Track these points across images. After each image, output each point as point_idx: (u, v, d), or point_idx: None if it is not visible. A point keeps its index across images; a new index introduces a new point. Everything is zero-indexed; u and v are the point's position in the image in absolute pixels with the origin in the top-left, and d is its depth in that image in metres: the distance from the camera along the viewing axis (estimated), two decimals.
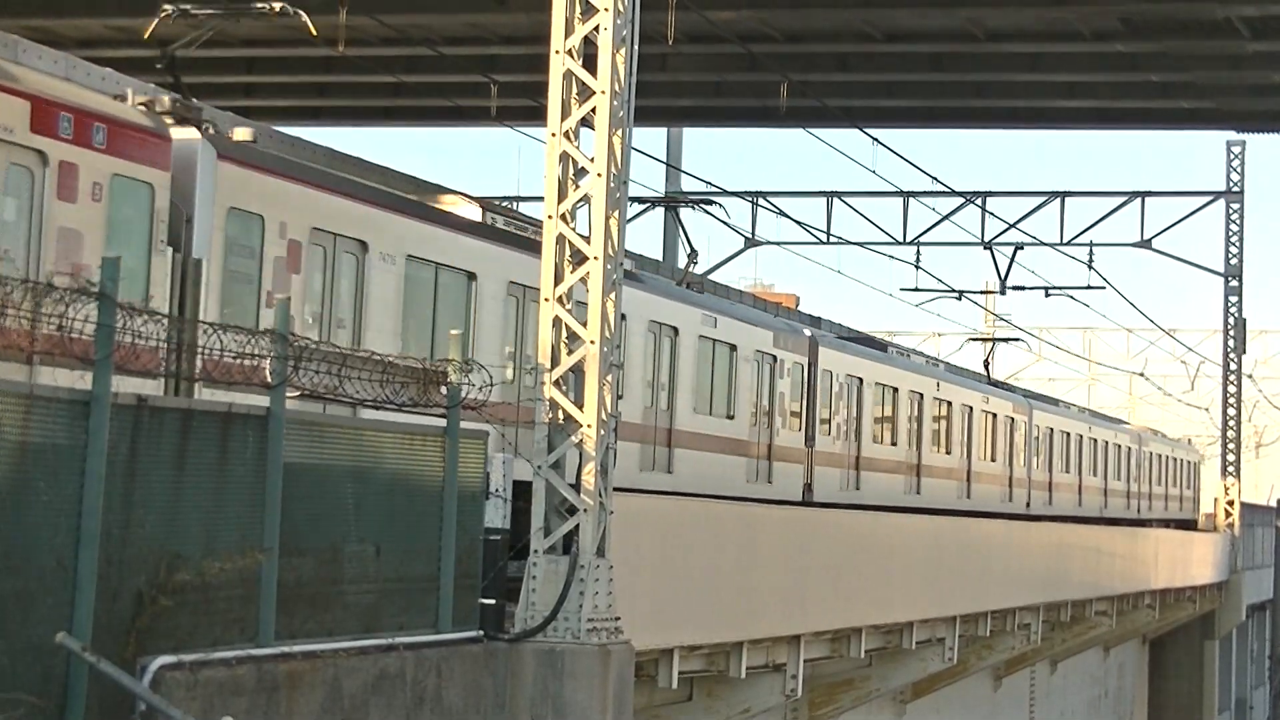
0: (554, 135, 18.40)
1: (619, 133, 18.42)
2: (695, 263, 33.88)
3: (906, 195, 53.63)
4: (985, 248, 54.52)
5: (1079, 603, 44.63)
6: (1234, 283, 59.94)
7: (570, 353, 18.20)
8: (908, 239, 54.57)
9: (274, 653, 14.17)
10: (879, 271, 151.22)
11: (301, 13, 20.65)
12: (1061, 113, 46.55)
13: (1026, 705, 48.44)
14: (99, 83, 22.17)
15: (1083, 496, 53.20)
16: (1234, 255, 59.60)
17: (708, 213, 43.07)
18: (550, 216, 18.34)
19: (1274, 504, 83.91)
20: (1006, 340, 58.79)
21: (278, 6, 20.37)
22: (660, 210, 55.78)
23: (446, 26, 38.19)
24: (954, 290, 56.71)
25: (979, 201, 54.17)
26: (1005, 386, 53.71)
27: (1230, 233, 59.47)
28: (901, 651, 32.77)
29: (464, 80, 40.35)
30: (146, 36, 21.84)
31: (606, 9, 18.28)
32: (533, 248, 20.83)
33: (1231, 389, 61.88)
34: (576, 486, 17.97)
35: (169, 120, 17.85)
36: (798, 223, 53.63)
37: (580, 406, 18.04)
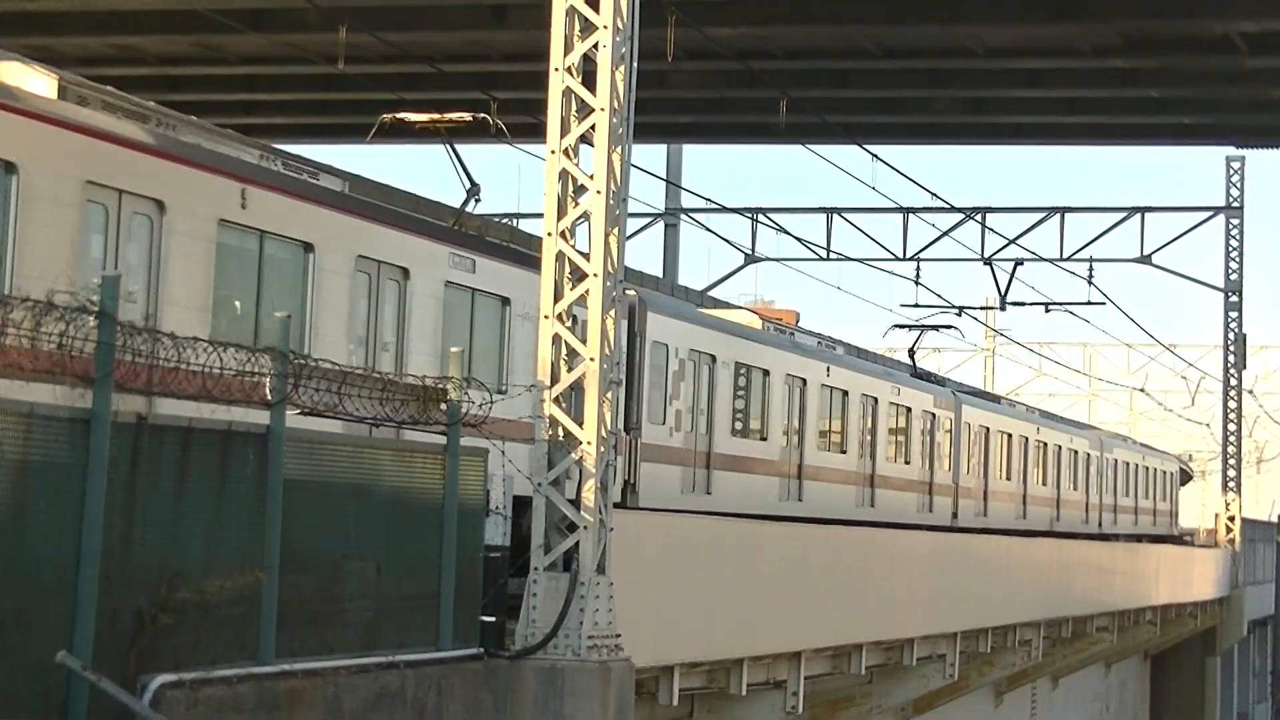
0: (553, 152, 18.41)
1: (618, 150, 18.44)
2: (477, 200, 24.59)
3: (906, 211, 53.70)
4: (985, 263, 54.54)
5: (1080, 618, 44.60)
6: (1234, 298, 59.96)
7: (570, 370, 18.22)
8: (907, 255, 54.60)
9: (274, 670, 14.16)
10: (879, 287, 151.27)
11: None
12: (1061, 128, 46.58)
13: None
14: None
15: (1027, 508, 46.74)
16: (1234, 270, 59.63)
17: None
18: (550, 234, 18.35)
19: (1275, 519, 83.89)
20: (938, 328, 48.67)
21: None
22: (659, 226, 56.10)
23: (446, 44, 38.23)
24: (954, 306, 56.71)
25: (979, 217, 54.21)
26: (933, 379, 46.18)
27: (1230, 248, 59.50)
28: (903, 668, 32.76)
29: (463, 97, 40.40)
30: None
31: (606, 26, 18.31)
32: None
33: (1232, 404, 61.88)
34: (576, 503, 17.97)
35: None
36: (797, 239, 53.71)
37: (580, 424, 18.05)
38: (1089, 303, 55.39)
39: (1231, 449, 62.03)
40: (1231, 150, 58.07)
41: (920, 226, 54.17)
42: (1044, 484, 48.56)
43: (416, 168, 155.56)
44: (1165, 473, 66.10)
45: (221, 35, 36.69)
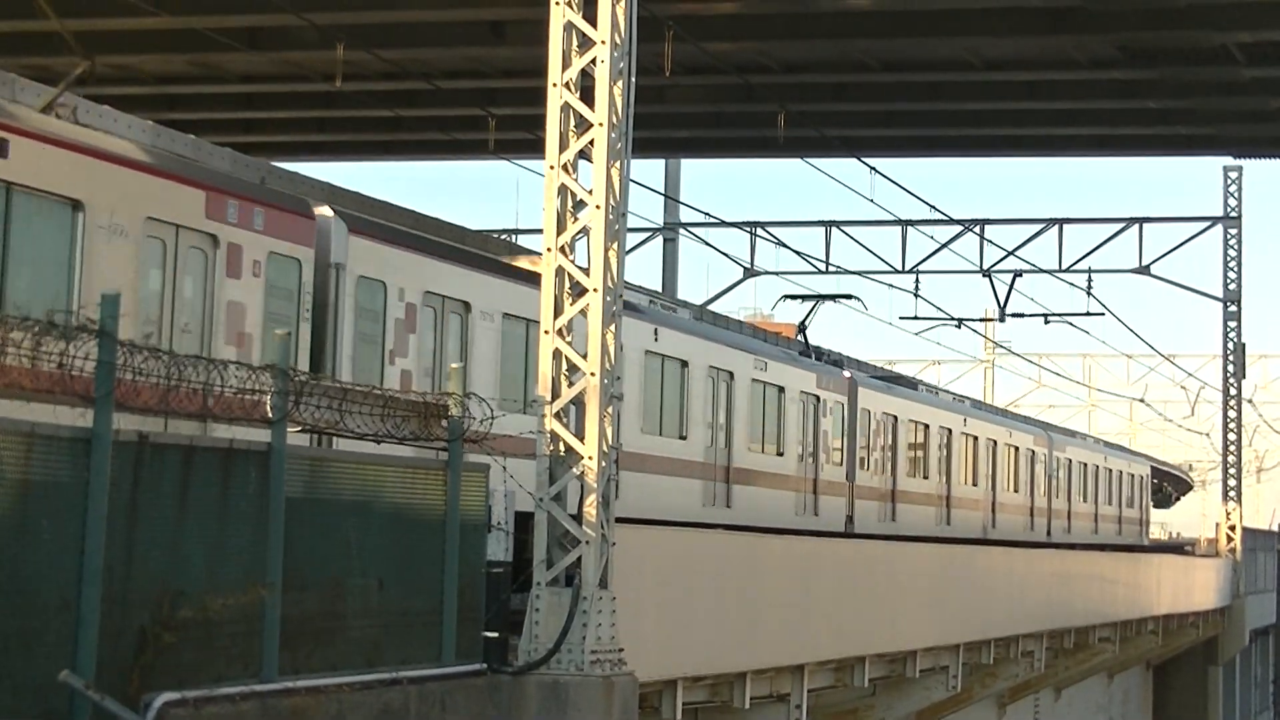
0: (552, 168, 18.43)
1: (617, 165, 18.46)
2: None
3: (905, 224, 53.72)
4: (984, 275, 54.58)
5: (1082, 629, 44.61)
6: (1233, 308, 59.97)
7: (570, 385, 18.23)
8: (906, 267, 54.60)
9: (278, 688, 14.15)
10: (878, 300, 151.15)
11: None
12: (1059, 140, 46.60)
13: None
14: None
15: (950, 512, 40.48)
16: (1232, 280, 59.65)
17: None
18: (549, 249, 18.37)
19: (1275, 529, 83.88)
20: (835, 298, 39.90)
21: None
22: (658, 241, 56.14)
23: (444, 60, 38.23)
24: (953, 318, 56.77)
25: (977, 229, 54.23)
26: (829, 359, 38.00)
27: (1228, 258, 59.52)
28: (906, 680, 32.75)
29: (462, 114, 40.42)
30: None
31: (604, 42, 18.34)
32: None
33: (1231, 414, 61.88)
34: (578, 518, 17.98)
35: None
36: (796, 252, 53.71)
37: (581, 438, 18.06)
38: (1088, 314, 55.44)
39: (1231, 458, 62.00)
40: (1229, 160, 58.08)
41: (919, 239, 54.21)
42: (973, 484, 42.30)
43: (421, 180, 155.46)
44: (1133, 475, 60.81)
45: (219, 54, 36.68)
